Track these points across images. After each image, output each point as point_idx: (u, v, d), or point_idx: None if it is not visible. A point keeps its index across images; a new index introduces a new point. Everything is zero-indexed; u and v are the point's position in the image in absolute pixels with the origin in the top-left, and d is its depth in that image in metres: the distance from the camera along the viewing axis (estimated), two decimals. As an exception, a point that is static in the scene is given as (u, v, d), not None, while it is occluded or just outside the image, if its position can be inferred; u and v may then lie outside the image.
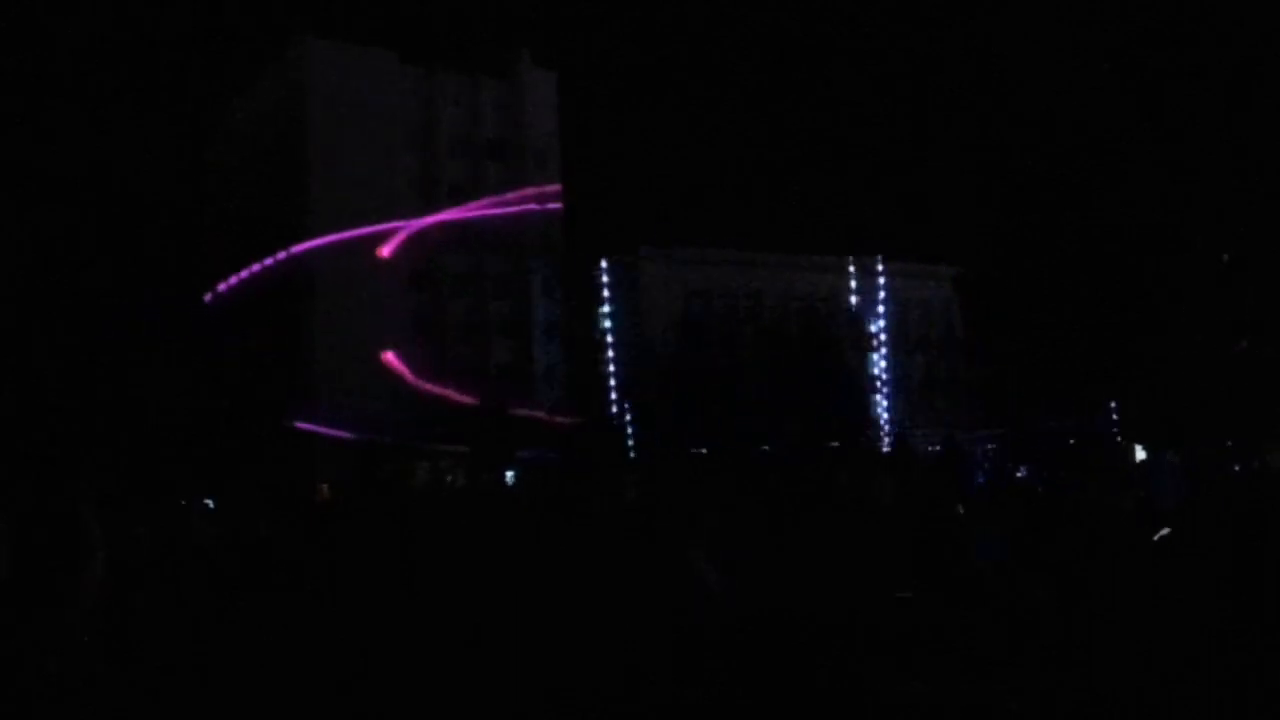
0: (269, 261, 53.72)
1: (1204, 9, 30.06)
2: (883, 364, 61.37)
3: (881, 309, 63.15)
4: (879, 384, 60.87)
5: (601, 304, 56.83)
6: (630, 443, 49.81)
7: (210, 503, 30.52)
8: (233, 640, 11.42)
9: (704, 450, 44.99)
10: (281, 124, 56.39)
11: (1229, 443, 33.21)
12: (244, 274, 55.15)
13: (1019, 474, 38.37)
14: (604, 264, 56.82)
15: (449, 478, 49.06)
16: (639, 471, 38.89)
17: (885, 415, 60.37)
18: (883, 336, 62.21)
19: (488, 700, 8.59)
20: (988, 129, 36.52)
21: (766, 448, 47.86)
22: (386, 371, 52.46)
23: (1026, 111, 33.14)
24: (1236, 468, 29.94)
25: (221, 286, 56.32)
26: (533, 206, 57.24)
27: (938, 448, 54.99)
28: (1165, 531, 16.80)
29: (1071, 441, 36.50)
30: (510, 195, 57.57)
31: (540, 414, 51.33)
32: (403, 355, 53.97)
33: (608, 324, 56.10)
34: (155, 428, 43.38)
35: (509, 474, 46.13)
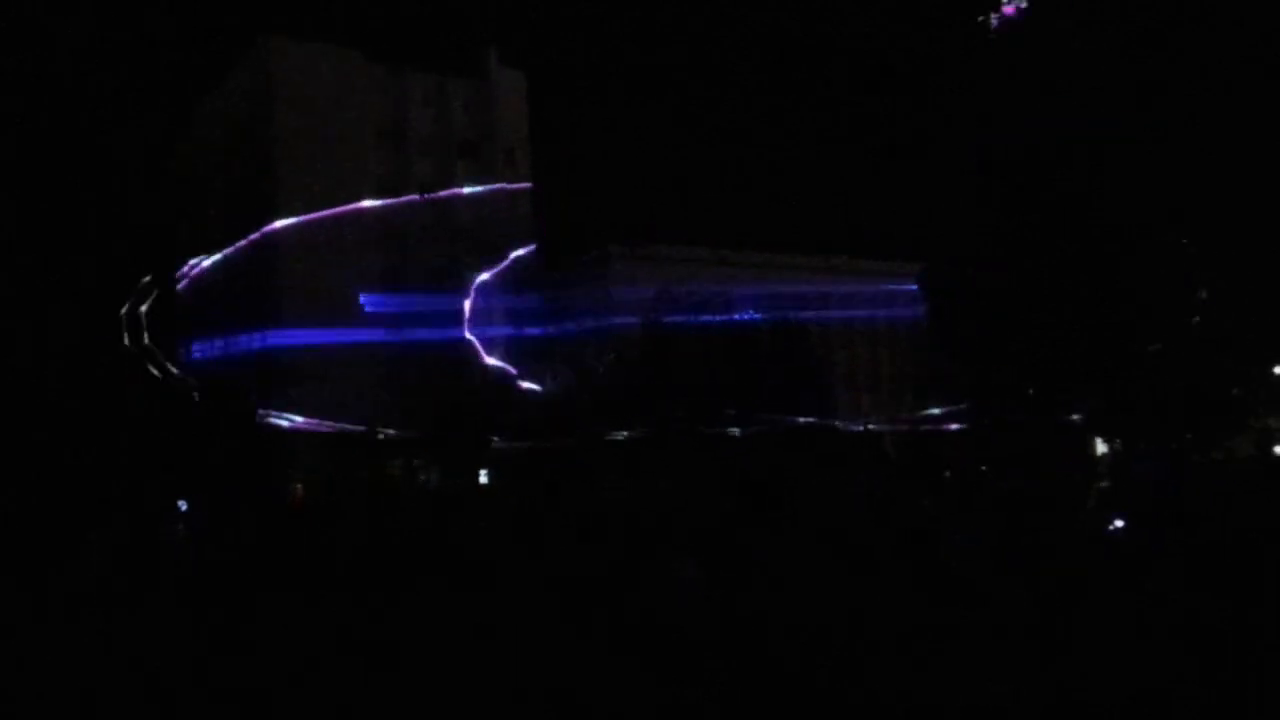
0: (238, 254, 53.50)
1: (1204, 9, 30.25)
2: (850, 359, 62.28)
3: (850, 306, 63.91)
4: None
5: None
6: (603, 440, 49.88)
7: (183, 504, 30.44)
8: (217, 639, 11.53)
9: (676, 446, 45.21)
10: (249, 123, 56.06)
11: (1190, 435, 33.84)
12: (214, 267, 54.98)
13: (984, 467, 38.80)
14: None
15: (422, 476, 48.93)
16: (616, 469, 39.06)
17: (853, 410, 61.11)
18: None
19: (483, 699, 8.75)
20: (967, 132, 36.70)
21: (736, 435, 48.31)
22: (358, 364, 52.15)
23: (1018, 113, 33.22)
24: (1197, 458, 30.54)
25: (191, 280, 56.19)
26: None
27: (907, 443, 55.70)
28: (1119, 524, 17.22)
29: (1039, 435, 36.98)
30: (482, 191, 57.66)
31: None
32: (373, 347, 53.65)
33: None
34: (128, 426, 42.94)
35: (483, 473, 46.13)
